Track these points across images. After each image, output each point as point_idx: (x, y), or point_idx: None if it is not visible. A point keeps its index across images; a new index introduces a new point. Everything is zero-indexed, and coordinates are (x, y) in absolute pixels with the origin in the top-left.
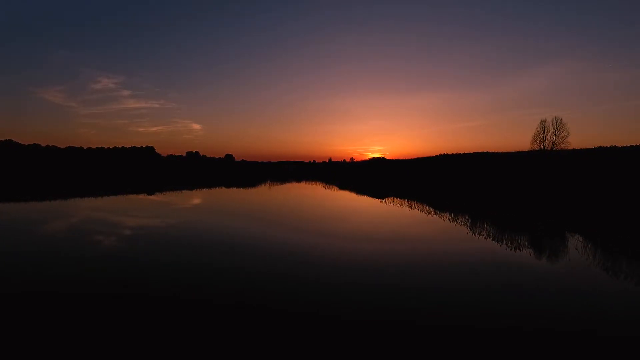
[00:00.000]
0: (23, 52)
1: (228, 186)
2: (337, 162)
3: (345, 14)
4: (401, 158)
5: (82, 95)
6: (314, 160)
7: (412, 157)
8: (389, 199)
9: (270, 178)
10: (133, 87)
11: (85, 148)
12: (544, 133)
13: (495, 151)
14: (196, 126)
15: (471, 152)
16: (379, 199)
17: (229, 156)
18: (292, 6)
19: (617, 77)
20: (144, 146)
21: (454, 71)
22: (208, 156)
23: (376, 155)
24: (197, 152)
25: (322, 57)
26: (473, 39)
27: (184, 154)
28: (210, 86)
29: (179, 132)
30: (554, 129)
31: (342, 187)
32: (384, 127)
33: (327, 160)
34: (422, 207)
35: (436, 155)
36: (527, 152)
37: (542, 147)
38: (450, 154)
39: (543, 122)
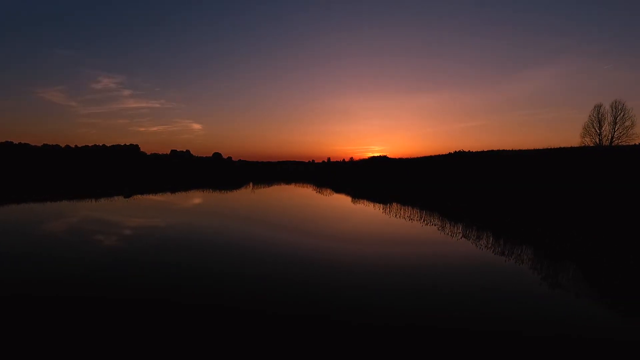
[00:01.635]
0: (23, 51)
1: (205, 188)
2: (336, 162)
3: (346, 12)
4: (405, 157)
5: (83, 95)
6: (313, 160)
7: (418, 156)
8: (393, 207)
9: (260, 179)
10: (133, 87)
11: (63, 146)
12: (600, 123)
13: (532, 148)
14: (196, 126)
15: (498, 149)
16: (380, 207)
17: (217, 155)
18: (293, 5)
19: (622, 76)
20: (127, 144)
21: (455, 70)
22: (196, 155)
23: (377, 154)
24: (187, 151)
25: (322, 56)
26: (475, 37)
27: (169, 152)
28: (211, 86)
29: (179, 132)
30: (613, 117)
31: (338, 189)
32: (384, 127)
33: (326, 160)
34: (441, 224)
35: (449, 153)
36: (576, 148)
37: (597, 141)
38: (465, 151)
39: (598, 107)
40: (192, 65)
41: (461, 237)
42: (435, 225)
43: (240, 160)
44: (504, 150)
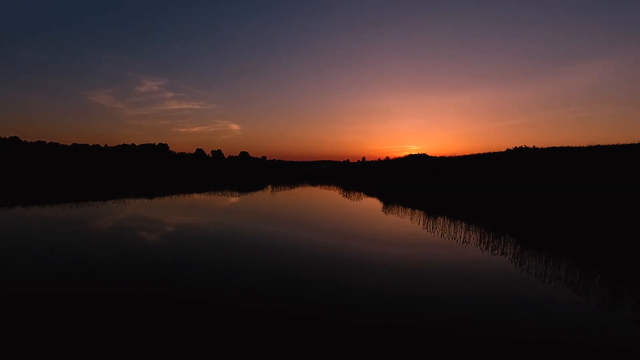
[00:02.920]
0: (74, 57)
1: (220, 189)
2: (371, 162)
3: (381, 11)
4: (447, 155)
5: (129, 98)
6: (348, 160)
7: (464, 154)
8: (438, 221)
9: (286, 179)
10: (175, 89)
11: (91, 145)
12: None
13: (615, 143)
14: (235, 126)
15: (571, 145)
16: (420, 219)
17: (244, 154)
18: (329, 4)
19: None
20: (156, 143)
21: (495, 67)
22: (227, 155)
23: (414, 152)
24: (219, 150)
25: (359, 55)
26: (515, 33)
27: (204, 153)
28: (249, 88)
29: (218, 133)
30: None
31: (370, 192)
32: (421, 126)
33: (360, 160)
34: (516, 253)
35: (507, 150)
36: None
37: None
38: (529, 147)
39: None
40: (231, 66)
41: (563, 285)
42: (506, 254)
43: (274, 160)
44: (581, 147)
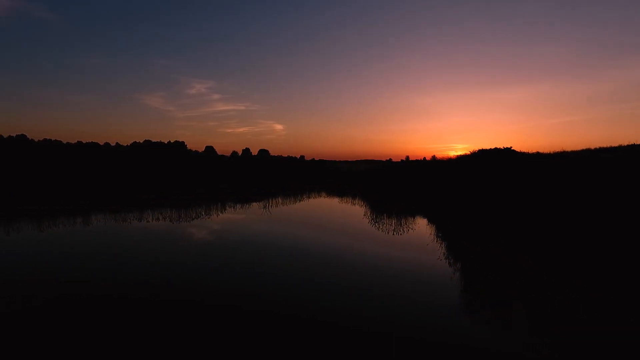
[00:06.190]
0: (130, 62)
1: (158, 208)
2: (417, 161)
3: (423, 8)
4: (551, 151)
5: (179, 100)
6: (390, 159)
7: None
8: None
9: (306, 183)
10: (222, 91)
11: (102, 144)
12: None
13: None
14: (278, 126)
15: None
16: None
17: (263, 152)
18: (371, 5)
19: None
20: (172, 141)
21: (547, 60)
22: (253, 154)
23: (461, 151)
24: (247, 149)
25: (401, 54)
26: (570, 21)
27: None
28: (292, 88)
29: (262, 133)
30: None
31: (418, 211)
32: (467, 124)
33: (404, 159)
34: None
35: None
36: None
37: None
38: None
39: None
40: (274, 67)
41: None
42: None
43: (312, 159)
44: None
